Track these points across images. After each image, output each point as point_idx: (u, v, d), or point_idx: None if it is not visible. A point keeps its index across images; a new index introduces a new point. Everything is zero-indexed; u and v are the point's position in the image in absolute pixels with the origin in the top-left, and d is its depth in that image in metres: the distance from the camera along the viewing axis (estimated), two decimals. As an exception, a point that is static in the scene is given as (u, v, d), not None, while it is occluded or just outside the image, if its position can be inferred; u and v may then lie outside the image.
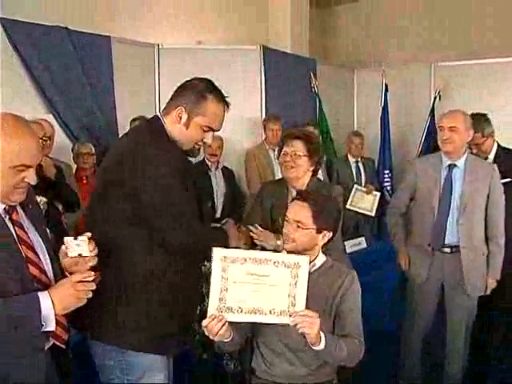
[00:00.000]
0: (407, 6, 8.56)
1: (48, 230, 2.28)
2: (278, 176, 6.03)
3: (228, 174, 6.06)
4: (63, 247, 2.16)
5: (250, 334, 2.82)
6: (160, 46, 6.09)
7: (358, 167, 6.79)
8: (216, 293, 2.30)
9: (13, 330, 1.96)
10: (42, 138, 4.16)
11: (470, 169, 3.74)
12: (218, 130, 2.58)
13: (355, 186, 6.45)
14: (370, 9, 9.02)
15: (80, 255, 2.15)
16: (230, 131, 6.27)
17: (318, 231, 2.69)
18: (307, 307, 2.64)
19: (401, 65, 7.91)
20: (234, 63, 6.40)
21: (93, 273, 2.13)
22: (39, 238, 2.17)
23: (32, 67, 5.01)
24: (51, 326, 2.02)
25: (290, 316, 2.36)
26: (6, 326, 1.95)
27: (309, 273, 2.50)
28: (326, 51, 9.12)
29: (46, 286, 2.08)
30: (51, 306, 2.01)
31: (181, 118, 2.48)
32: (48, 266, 2.14)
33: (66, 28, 5.23)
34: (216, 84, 2.59)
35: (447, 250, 3.78)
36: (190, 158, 2.62)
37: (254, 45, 6.70)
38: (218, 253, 2.29)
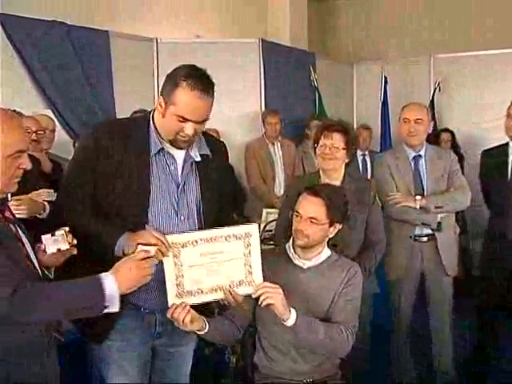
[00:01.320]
0: (407, 2, 8.52)
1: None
2: (278, 170, 6.05)
3: (227, 168, 6.05)
4: (41, 246, 2.16)
5: (252, 328, 2.82)
6: (159, 41, 6.06)
7: (364, 160, 6.78)
8: (172, 280, 2.27)
9: (76, 313, 2.02)
10: (36, 132, 4.14)
11: (431, 157, 3.89)
12: (199, 122, 2.33)
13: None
14: (370, 4, 8.98)
15: (59, 250, 2.15)
16: (230, 126, 6.29)
17: (331, 224, 2.71)
18: (313, 302, 2.66)
19: (400, 58, 7.89)
20: (233, 57, 6.38)
21: (152, 249, 2.15)
22: (24, 237, 2.14)
23: (30, 62, 4.99)
24: (115, 307, 2.04)
25: (250, 285, 2.37)
26: (69, 309, 2.00)
27: (314, 266, 2.53)
28: (325, 46, 9.09)
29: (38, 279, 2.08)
30: (116, 287, 2.03)
31: (161, 107, 2.35)
32: (35, 261, 2.13)
33: (64, 23, 5.21)
34: (202, 70, 2.35)
35: (424, 238, 3.86)
36: (177, 150, 2.42)
37: (253, 38, 6.67)
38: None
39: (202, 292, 2.32)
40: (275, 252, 2.92)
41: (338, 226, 2.78)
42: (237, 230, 2.35)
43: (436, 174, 3.86)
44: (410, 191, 3.82)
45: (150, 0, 6.68)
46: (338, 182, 3.29)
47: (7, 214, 2.08)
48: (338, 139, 3.26)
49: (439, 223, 3.79)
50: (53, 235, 2.14)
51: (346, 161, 3.35)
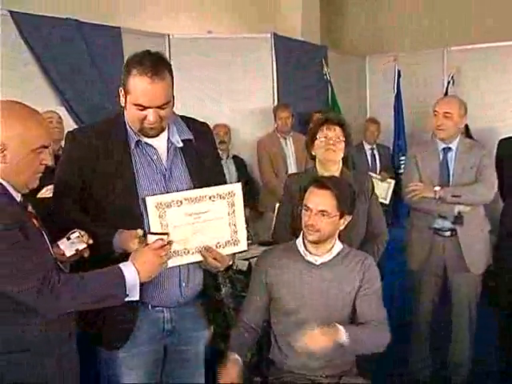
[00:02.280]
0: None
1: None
2: (291, 164, 6.04)
3: (239, 162, 6.07)
4: (59, 250, 2.17)
5: (266, 323, 2.83)
6: (170, 37, 6.06)
7: (373, 154, 6.76)
8: None
9: (102, 302, 2.08)
10: None
11: (463, 150, 3.83)
12: (159, 107, 2.27)
13: (369, 173, 6.40)
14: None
15: (77, 250, 2.17)
16: (242, 121, 6.29)
17: (341, 216, 2.71)
18: (331, 299, 2.70)
19: (413, 51, 7.84)
20: (245, 52, 6.36)
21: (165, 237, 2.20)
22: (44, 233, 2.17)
23: (42, 60, 5.01)
24: (136, 295, 2.09)
25: (235, 245, 2.39)
26: (91, 299, 2.06)
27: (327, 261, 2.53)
28: (337, 39, 9.04)
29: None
30: (136, 274, 2.08)
31: (123, 98, 2.33)
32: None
33: (77, 20, 5.23)
34: (155, 54, 2.29)
35: (447, 233, 3.83)
36: (156, 139, 2.39)
37: (265, 33, 6.66)
38: (151, 200, 2.24)
39: (188, 252, 2.32)
40: (284, 249, 2.90)
41: (348, 218, 2.78)
42: (220, 189, 2.35)
43: (464, 167, 3.80)
44: (433, 182, 3.78)
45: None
46: (336, 175, 3.26)
47: (30, 208, 2.12)
48: (339, 131, 3.26)
49: (458, 217, 3.74)
50: (68, 239, 2.16)
51: (343, 155, 3.33)
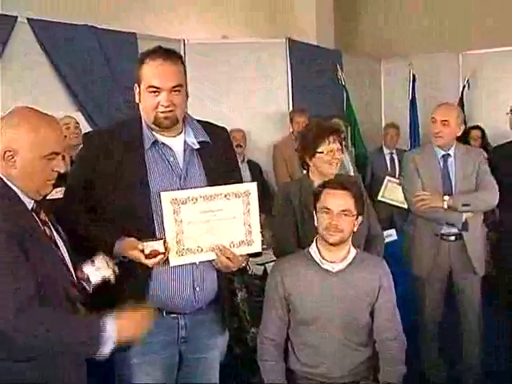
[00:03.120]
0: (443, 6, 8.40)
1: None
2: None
3: (254, 167, 6.07)
4: (83, 275, 2.16)
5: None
6: (186, 42, 6.08)
7: (392, 159, 6.73)
8: (172, 237, 2.25)
9: (72, 348, 2.00)
10: None
11: (460, 156, 3.85)
12: (171, 89, 2.29)
13: (387, 177, 6.35)
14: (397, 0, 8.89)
15: (104, 278, 2.17)
16: (257, 125, 6.30)
17: (357, 217, 2.71)
18: (351, 308, 2.71)
19: (428, 55, 7.82)
20: (260, 57, 6.38)
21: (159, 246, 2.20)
22: (61, 241, 2.16)
23: (59, 66, 5.06)
24: (107, 350, 1.99)
25: (249, 245, 2.35)
26: (66, 343, 1.97)
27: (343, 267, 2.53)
28: (352, 43, 9.04)
29: (72, 285, 2.09)
30: (114, 332, 1.99)
31: (138, 95, 2.36)
32: (70, 265, 2.15)
33: (93, 26, 5.28)
34: (162, 47, 2.35)
35: (452, 237, 3.85)
36: (173, 140, 2.40)
37: (279, 37, 6.68)
38: (166, 196, 2.23)
39: (201, 250, 2.30)
40: (298, 258, 2.86)
41: (360, 219, 2.78)
42: (236, 187, 2.33)
43: (465, 173, 3.82)
44: (437, 190, 3.79)
45: (177, 1, 6.71)
46: None
47: (42, 216, 2.10)
48: (338, 142, 3.16)
49: (465, 223, 3.76)
50: (92, 262, 2.16)
51: None
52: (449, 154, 3.87)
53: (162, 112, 2.31)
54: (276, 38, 6.68)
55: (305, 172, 3.34)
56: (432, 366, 4.10)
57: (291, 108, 6.46)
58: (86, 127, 5.04)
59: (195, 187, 2.35)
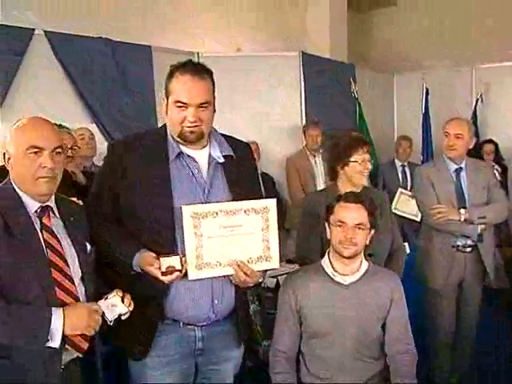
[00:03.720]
0: (447, 12, 8.41)
1: (89, 245, 2.30)
2: (320, 182, 6.03)
3: (267, 180, 6.08)
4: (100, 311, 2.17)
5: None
6: (200, 55, 6.12)
7: (404, 172, 6.73)
8: (192, 251, 2.27)
9: (19, 339, 1.99)
10: (71, 148, 4.19)
11: (472, 170, 3.94)
12: (199, 106, 2.31)
13: (400, 189, 6.35)
14: (408, 12, 8.91)
15: (120, 315, 2.19)
16: (271, 138, 6.32)
17: (370, 230, 2.72)
18: (363, 320, 2.70)
19: (441, 68, 7.82)
20: (274, 70, 6.40)
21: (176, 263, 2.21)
22: (73, 250, 2.19)
23: (75, 78, 5.11)
24: (56, 343, 2.01)
25: (267, 261, 2.36)
26: (12, 334, 1.98)
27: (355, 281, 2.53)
28: (365, 57, 9.06)
29: (69, 293, 2.11)
30: (61, 324, 2.01)
31: (165, 107, 2.39)
32: (76, 276, 2.17)
33: (109, 39, 5.33)
34: (193, 61, 2.41)
35: (468, 249, 3.90)
36: (198, 152, 2.43)
37: (293, 50, 6.72)
38: (187, 210, 2.25)
39: (220, 265, 2.32)
40: (310, 271, 2.86)
41: (372, 232, 2.78)
42: (255, 203, 2.35)
43: (477, 187, 3.90)
44: (452, 202, 3.85)
45: (192, 15, 6.75)
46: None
47: (46, 220, 2.14)
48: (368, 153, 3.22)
49: (480, 235, 3.82)
50: (106, 299, 2.17)
51: None
52: (461, 168, 3.94)
53: (188, 127, 2.33)
54: (290, 52, 6.70)
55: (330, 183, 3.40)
56: (448, 374, 4.12)
57: (304, 121, 6.47)
58: (100, 139, 5.09)
59: (218, 200, 2.37)
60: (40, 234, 2.10)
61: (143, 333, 2.40)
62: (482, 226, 3.81)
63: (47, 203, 2.15)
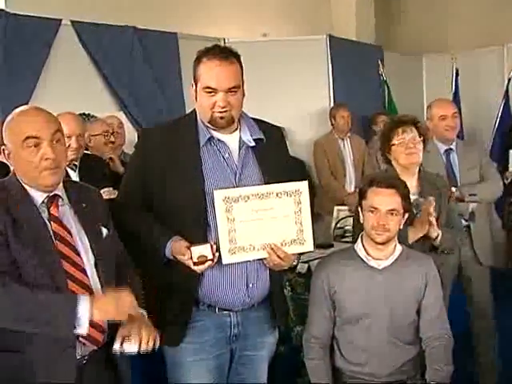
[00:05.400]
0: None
1: (105, 230, 2.26)
2: (348, 166, 5.98)
3: (297, 164, 6.04)
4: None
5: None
6: (226, 41, 6.10)
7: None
8: (225, 235, 2.26)
9: (44, 326, 1.95)
10: (112, 133, 4.31)
11: (462, 150, 3.96)
12: (228, 90, 2.30)
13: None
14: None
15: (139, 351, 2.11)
16: (298, 122, 6.28)
17: (404, 215, 2.69)
18: (397, 305, 2.69)
19: (471, 48, 7.68)
20: (301, 54, 6.33)
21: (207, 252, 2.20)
22: (84, 238, 2.17)
23: (102, 67, 5.15)
24: (83, 330, 1.97)
25: (301, 244, 2.34)
26: (38, 321, 1.95)
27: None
28: (392, 37, 8.93)
29: (81, 284, 2.08)
30: (87, 311, 1.96)
31: (194, 93, 2.39)
32: (90, 266, 2.14)
33: (134, 27, 5.35)
34: (221, 46, 2.40)
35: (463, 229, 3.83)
36: (229, 136, 2.42)
37: (319, 33, 6.65)
38: (219, 194, 2.25)
39: (254, 248, 2.31)
40: (343, 255, 2.85)
41: (406, 216, 2.75)
42: (287, 186, 2.33)
43: (468, 166, 3.89)
44: None
45: (216, 0, 6.73)
46: (415, 178, 3.21)
47: (53, 210, 2.11)
48: (415, 132, 3.18)
49: (472, 213, 3.78)
50: (121, 346, 2.08)
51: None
52: (451, 149, 3.94)
53: (219, 112, 2.33)
54: (316, 35, 6.64)
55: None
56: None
57: (332, 104, 6.41)
58: (129, 127, 5.11)
59: (250, 184, 2.36)
60: (48, 224, 2.08)
61: (178, 318, 2.40)
62: (474, 205, 3.77)
63: (54, 192, 2.13)
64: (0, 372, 2.01)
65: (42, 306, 1.94)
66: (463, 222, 3.81)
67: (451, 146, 3.95)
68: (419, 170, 3.26)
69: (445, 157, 3.93)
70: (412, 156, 3.17)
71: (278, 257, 2.32)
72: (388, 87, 7.13)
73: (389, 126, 3.31)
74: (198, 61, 2.35)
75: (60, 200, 2.14)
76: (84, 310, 1.95)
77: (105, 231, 2.25)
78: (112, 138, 4.25)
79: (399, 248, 2.77)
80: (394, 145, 3.19)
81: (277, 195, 2.30)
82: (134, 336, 2.07)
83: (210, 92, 2.31)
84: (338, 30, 7.34)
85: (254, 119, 2.52)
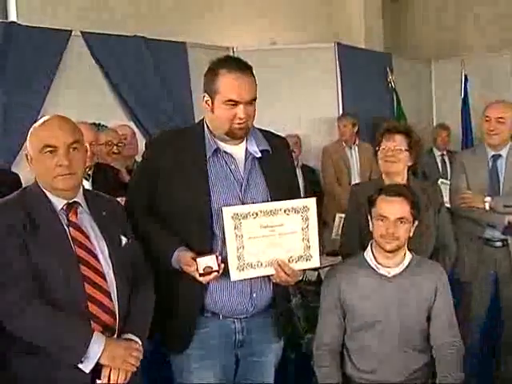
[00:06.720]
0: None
1: (124, 238, 2.30)
2: (354, 174, 6.00)
3: (308, 172, 6.07)
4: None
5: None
6: (235, 49, 6.13)
7: (443, 160, 6.64)
8: (233, 252, 2.28)
9: (53, 350, 2.03)
10: (117, 145, 4.33)
11: None
12: (248, 102, 2.33)
13: (440, 179, 6.28)
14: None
15: None
16: (308, 130, 6.30)
17: (413, 222, 2.69)
18: (408, 313, 2.68)
19: (480, 54, 7.67)
20: (310, 62, 6.37)
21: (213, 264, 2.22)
22: (104, 245, 2.21)
23: (112, 77, 5.20)
24: (86, 369, 2.03)
25: (308, 260, 2.36)
26: (51, 348, 2.02)
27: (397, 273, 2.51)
28: (401, 44, 8.94)
29: (98, 287, 2.13)
30: (98, 353, 2.03)
31: (208, 104, 2.38)
32: (108, 271, 2.18)
33: (144, 37, 5.39)
34: (235, 57, 2.44)
35: (498, 243, 3.72)
36: (235, 148, 2.42)
37: (327, 41, 6.68)
38: (227, 211, 2.25)
39: (261, 265, 2.32)
40: (353, 264, 2.85)
41: (415, 224, 2.75)
42: (295, 203, 2.34)
43: None
44: (483, 190, 3.69)
45: (225, 9, 6.76)
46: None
47: (72, 217, 2.18)
48: (400, 141, 3.13)
49: (508, 226, 3.62)
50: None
51: (409, 164, 3.19)
52: (500, 155, 3.77)
53: (238, 123, 2.34)
54: (324, 43, 6.66)
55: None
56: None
57: (341, 112, 6.43)
58: (139, 137, 5.14)
59: (256, 196, 2.39)
60: (67, 229, 2.14)
61: (184, 326, 2.42)
62: (511, 216, 3.61)
63: (74, 199, 2.19)
64: (21, 373, 2.08)
65: (56, 336, 2.02)
66: (497, 234, 3.67)
67: (500, 152, 3.76)
68: (407, 178, 3.21)
69: (491, 162, 3.77)
70: (388, 164, 3.15)
71: (285, 273, 2.33)
72: (397, 94, 7.12)
73: (379, 132, 3.29)
74: (213, 73, 2.35)
75: (79, 207, 2.21)
76: (95, 352, 2.02)
77: (124, 240, 2.30)
78: (115, 149, 4.25)
79: (409, 256, 2.77)
80: (378, 151, 3.22)
81: (285, 212, 2.32)
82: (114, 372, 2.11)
83: (232, 104, 2.32)
84: (346, 37, 7.36)
85: (259, 130, 2.53)
